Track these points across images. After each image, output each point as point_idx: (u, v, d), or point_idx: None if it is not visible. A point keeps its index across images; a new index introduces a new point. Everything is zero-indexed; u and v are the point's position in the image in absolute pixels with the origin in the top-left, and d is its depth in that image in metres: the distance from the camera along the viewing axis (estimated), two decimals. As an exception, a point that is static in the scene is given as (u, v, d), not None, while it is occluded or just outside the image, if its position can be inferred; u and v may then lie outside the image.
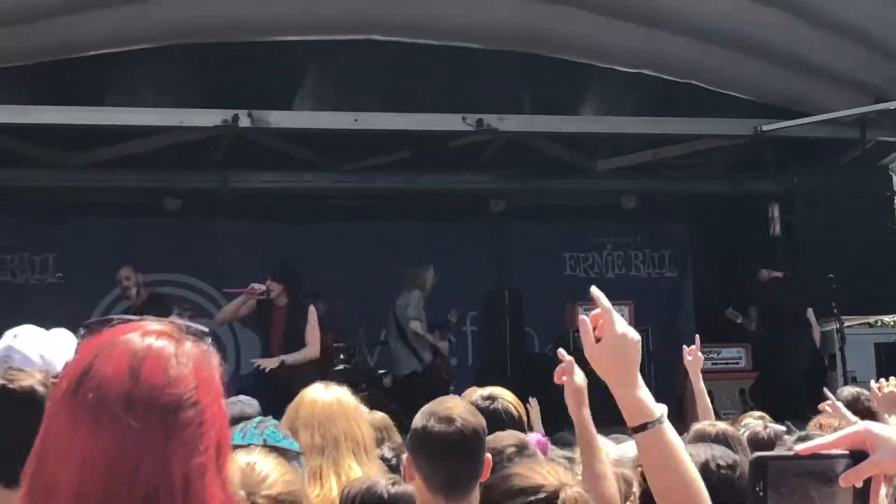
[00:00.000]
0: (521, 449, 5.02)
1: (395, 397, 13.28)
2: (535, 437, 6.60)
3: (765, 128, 15.15)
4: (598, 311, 3.15)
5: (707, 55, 14.55)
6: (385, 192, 15.74)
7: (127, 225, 15.60)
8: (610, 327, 3.08)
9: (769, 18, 14.00)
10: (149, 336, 1.86)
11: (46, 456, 1.80)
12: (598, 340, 3.08)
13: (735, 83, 15.10)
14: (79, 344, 1.90)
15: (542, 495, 2.90)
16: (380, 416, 6.62)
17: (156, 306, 12.50)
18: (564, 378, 4.37)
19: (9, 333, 5.02)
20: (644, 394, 3.07)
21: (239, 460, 2.99)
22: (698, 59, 14.61)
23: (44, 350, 4.96)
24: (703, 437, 5.85)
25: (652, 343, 15.33)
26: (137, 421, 1.76)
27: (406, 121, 14.43)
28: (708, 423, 6.24)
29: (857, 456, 2.32)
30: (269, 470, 3.03)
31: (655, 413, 3.05)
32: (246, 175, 15.09)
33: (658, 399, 5.87)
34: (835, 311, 13.29)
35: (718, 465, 4.29)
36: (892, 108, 15.06)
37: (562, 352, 3.62)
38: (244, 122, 13.80)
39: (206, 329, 1.94)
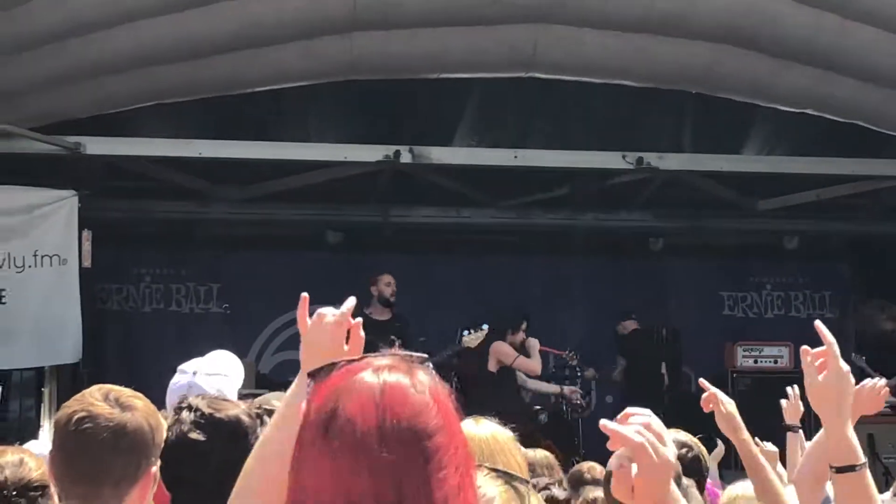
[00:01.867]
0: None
1: (550, 434, 13.35)
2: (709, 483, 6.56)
3: (929, 169, 14.93)
4: (822, 347, 3.14)
5: (873, 95, 14.35)
6: (544, 229, 15.82)
7: (290, 257, 15.93)
8: (834, 362, 3.07)
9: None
10: (381, 371, 1.96)
11: (307, 499, 1.88)
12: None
13: (899, 123, 14.87)
14: (309, 390, 1.99)
15: None
16: (542, 453, 6.50)
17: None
18: (711, 405, 4.34)
19: (188, 368, 5.20)
20: (852, 435, 3.05)
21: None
22: (865, 100, 14.42)
23: (220, 384, 5.14)
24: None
25: (812, 385, 15.14)
26: (392, 453, 1.84)
27: (565, 158, 14.48)
28: None
29: None
30: (492, 496, 2.99)
31: (861, 458, 3.03)
32: (406, 209, 15.31)
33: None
34: None
35: None
36: None
37: (703, 382, 3.59)
38: (405, 157, 14.00)
39: (426, 355, 2.04)
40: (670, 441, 2.28)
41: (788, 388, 6.66)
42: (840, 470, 3.01)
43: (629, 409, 2.31)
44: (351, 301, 3.00)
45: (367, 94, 14.28)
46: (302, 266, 15.61)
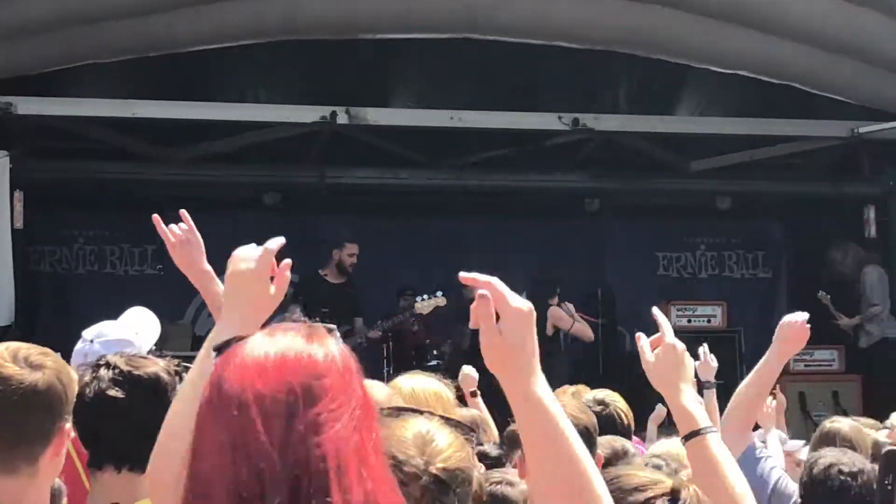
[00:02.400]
0: (621, 455, 5.14)
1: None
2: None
3: (861, 130, 15.09)
4: (657, 335, 3.34)
5: (804, 57, 14.47)
6: (480, 190, 15.81)
7: (226, 219, 15.83)
8: (667, 341, 3.28)
9: (865, 19, 13.90)
10: (276, 334, 1.99)
11: (200, 457, 1.92)
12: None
13: (832, 85, 14.99)
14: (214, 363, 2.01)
15: (659, 491, 2.87)
16: (472, 412, 6.55)
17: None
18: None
19: (88, 334, 5.16)
20: (692, 404, 3.25)
21: (416, 426, 2.98)
22: (795, 61, 14.54)
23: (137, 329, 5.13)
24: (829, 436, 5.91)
25: (744, 344, 15.31)
26: (275, 406, 1.88)
27: (502, 119, 14.55)
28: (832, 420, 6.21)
29: None
30: (446, 444, 2.97)
31: (702, 423, 3.19)
32: (343, 171, 15.26)
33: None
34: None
35: (840, 471, 4.38)
36: None
37: (639, 335, 3.58)
38: (342, 118, 13.97)
39: (333, 325, 2.07)
40: (516, 296, 2.41)
41: (700, 348, 6.71)
42: (686, 438, 3.18)
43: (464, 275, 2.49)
44: (277, 241, 2.95)
45: (304, 55, 14.22)
46: (239, 227, 15.47)
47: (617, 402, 6.05)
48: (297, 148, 14.87)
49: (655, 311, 3.43)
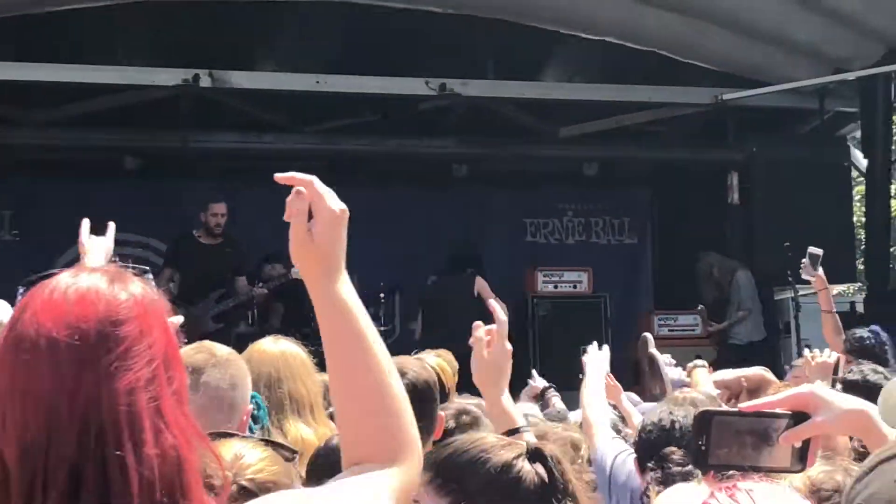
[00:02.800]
0: (460, 414, 5.04)
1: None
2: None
3: (725, 97, 15.25)
4: (493, 326, 3.38)
5: (669, 23, 14.55)
6: (347, 155, 15.67)
7: (85, 183, 15.49)
8: (500, 340, 3.33)
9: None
10: (79, 275, 1.92)
11: None
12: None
13: (697, 52, 15.12)
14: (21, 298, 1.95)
15: (518, 451, 2.82)
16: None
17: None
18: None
19: None
20: (511, 405, 3.42)
21: (232, 448, 3.04)
22: (660, 28, 14.61)
23: None
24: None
25: (610, 310, 15.43)
26: (68, 350, 1.81)
27: (368, 84, 14.42)
28: (683, 392, 6.29)
29: (799, 417, 2.41)
30: (258, 459, 3.04)
31: (519, 422, 3.35)
32: (206, 135, 15.01)
33: (613, 365, 6.01)
34: (790, 279, 13.33)
35: (669, 418, 4.39)
36: (851, 78, 15.16)
37: (477, 324, 3.49)
38: (205, 81, 13.74)
39: (147, 267, 2.01)
40: (333, 196, 2.37)
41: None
42: (508, 434, 3.23)
43: (292, 174, 2.38)
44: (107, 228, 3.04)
45: (166, 16, 13.92)
46: (99, 192, 15.19)
47: (442, 363, 6.06)
48: (160, 111, 14.57)
49: (493, 304, 3.46)
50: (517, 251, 17.10)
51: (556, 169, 17.25)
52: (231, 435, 3.28)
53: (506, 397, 3.41)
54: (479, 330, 3.41)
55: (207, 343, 4.15)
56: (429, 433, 4.18)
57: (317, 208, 2.36)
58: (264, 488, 2.87)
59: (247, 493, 2.83)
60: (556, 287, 15.56)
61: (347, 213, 2.39)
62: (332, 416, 5.29)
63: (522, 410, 5.63)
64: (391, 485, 2.16)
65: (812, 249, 10.77)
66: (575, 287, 15.73)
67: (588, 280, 15.76)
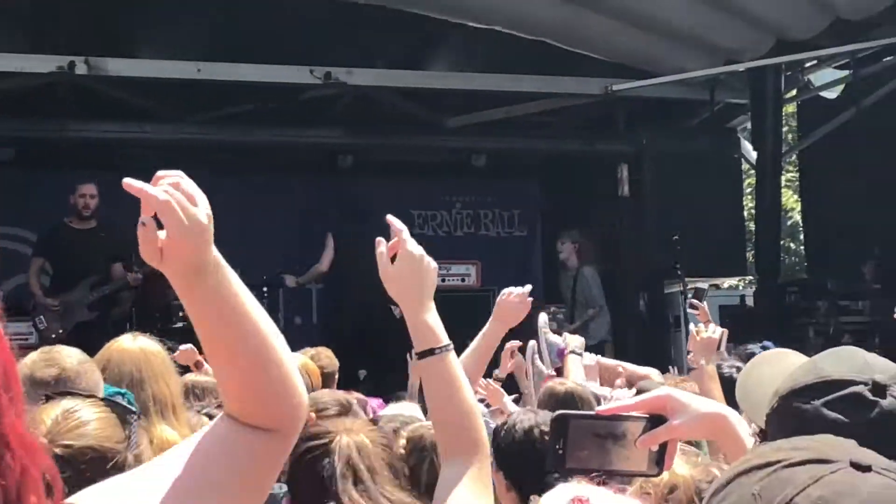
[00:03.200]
0: (343, 406, 5.04)
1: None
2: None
3: (615, 87, 15.15)
4: (395, 239, 3.17)
5: (559, 13, 14.41)
6: (230, 145, 15.34)
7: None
8: (403, 246, 3.10)
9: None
10: None
11: None
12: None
13: (587, 42, 15.01)
14: None
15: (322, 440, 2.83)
16: (206, 378, 6.46)
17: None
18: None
19: None
20: (434, 320, 3.06)
21: (60, 406, 2.89)
22: (550, 17, 14.47)
23: None
24: (553, 395, 5.88)
25: (499, 303, 15.23)
26: None
27: (252, 72, 14.14)
28: (558, 382, 6.26)
29: (657, 420, 2.41)
30: (86, 420, 2.89)
31: (443, 340, 3.04)
32: (85, 125, 14.54)
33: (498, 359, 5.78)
34: (679, 272, 13.28)
35: (542, 432, 4.32)
36: (741, 70, 15.15)
37: (379, 240, 3.21)
38: (81, 69, 13.31)
39: None
40: (204, 202, 2.12)
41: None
42: (421, 355, 3.04)
43: (160, 172, 2.11)
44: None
45: (45, 3, 13.49)
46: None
47: (307, 363, 6.09)
48: (37, 100, 14.10)
49: (390, 217, 3.21)
50: (405, 244, 16.83)
51: (445, 160, 17.05)
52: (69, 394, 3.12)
53: (429, 312, 3.09)
54: (381, 246, 3.17)
55: (56, 352, 3.91)
56: None
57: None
58: (82, 455, 2.75)
59: (60, 461, 2.63)
60: (443, 280, 15.29)
61: (211, 221, 2.16)
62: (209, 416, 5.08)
63: (402, 411, 5.49)
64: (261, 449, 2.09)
65: (699, 284, 10.74)
66: (463, 280, 15.53)
67: (476, 273, 15.58)
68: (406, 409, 5.87)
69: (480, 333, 5.19)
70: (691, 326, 6.75)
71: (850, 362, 2.20)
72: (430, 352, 3.03)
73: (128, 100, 14.23)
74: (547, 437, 4.31)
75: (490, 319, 5.25)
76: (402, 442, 4.85)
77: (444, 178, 17.59)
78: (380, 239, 3.20)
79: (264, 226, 16.18)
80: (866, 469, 1.53)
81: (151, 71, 13.91)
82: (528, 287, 5.39)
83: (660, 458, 2.40)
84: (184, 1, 13.99)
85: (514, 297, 5.29)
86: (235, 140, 15.15)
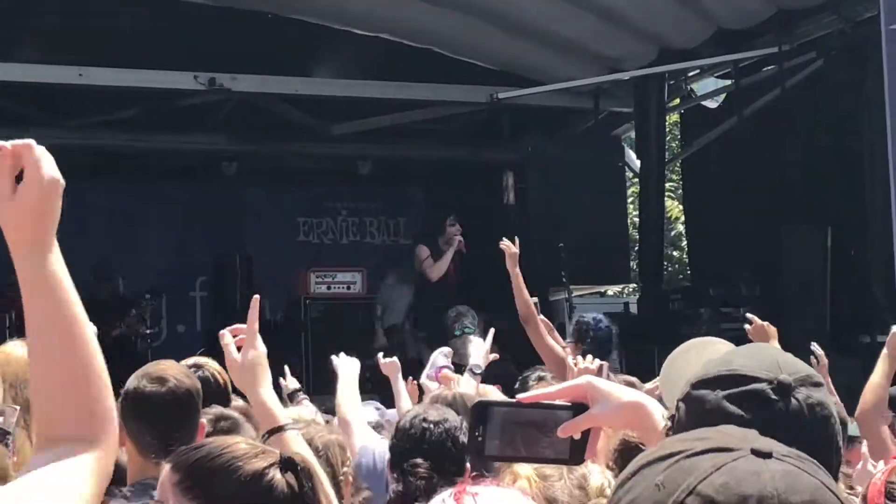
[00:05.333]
0: (219, 420, 4.95)
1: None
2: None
3: (501, 95, 15.16)
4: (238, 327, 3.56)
5: (445, 21, 14.42)
6: (111, 151, 15.11)
7: None
8: (252, 340, 3.49)
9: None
10: None
11: None
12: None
13: (474, 51, 15.04)
14: None
15: (271, 459, 2.77)
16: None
17: None
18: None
19: None
20: (274, 401, 3.49)
21: None
22: (436, 25, 14.47)
23: None
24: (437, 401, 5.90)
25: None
26: None
27: (134, 77, 13.94)
28: (444, 389, 6.29)
29: (578, 408, 2.39)
30: None
31: (282, 420, 3.44)
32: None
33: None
34: (564, 280, 13.32)
35: (425, 419, 4.47)
36: (626, 79, 15.27)
37: (223, 333, 3.59)
38: (-46, 72, 13.02)
39: None
40: (51, 162, 2.19)
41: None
42: (270, 433, 3.38)
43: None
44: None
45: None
46: None
47: (209, 363, 5.94)
48: None
49: (254, 299, 3.60)
50: (290, 251, 16.75)
51: (330, 167, 16.98)
52: None
53: (268, 396, 3.48)
54: (226, 336, 3.50)
55: None
56: (188, 442, 3.92)
57: (30, 171, 2.17)
58: None
59: None
60: (329, 288, 15.20)
61: (62, 184, 2.20)
62: None
63: (291, 413, 5.45)
64: (89, 472, 2.11)
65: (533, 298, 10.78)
66: (349, 288, 15.41)
67: (362, 281, 15.46)
68: (294, 411, 5.82)
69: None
70: (569, 359, 6.83)
71: (761, 360, 2.23)
72: (280, 429, 3.41)
73: (6, 105, 13.96)
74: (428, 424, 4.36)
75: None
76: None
77: (330, 185, 17.52)
78: (223, 332, 3.53)
79: (147, 233, 16.00)
80: (767, 455, 1.56)
81: (32, 75, 13.64)
82: None
83: (581, 447, 2.39)
84: (65, 4, 13.74)
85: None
86: (118, 146, 14.93)
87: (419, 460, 4.34)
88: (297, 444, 3.33)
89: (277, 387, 6.93)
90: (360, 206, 17.91)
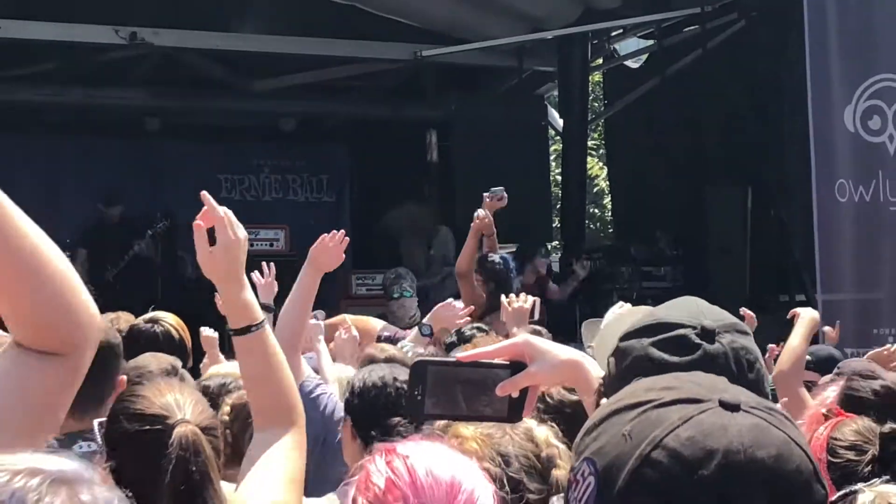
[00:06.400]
0: (169, 373, 4.87)
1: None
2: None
3: (425, 53, 15.12)
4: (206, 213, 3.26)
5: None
6: (29, 106, 14.92)
7: None
8: (224, 231, 3.16)
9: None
10: None
11: None
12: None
13: (397, 8, 14.95)
14: None
15: (157, 426, 2.79)
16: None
17: None
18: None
19: None
20: (250, 297, 3.16)
21: None
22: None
23: None
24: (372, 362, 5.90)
25: (306, 269, 15.14)
26: None
27: (55, 31, 13.71)
28: (378, 349, 6.28)
29: (516, 367, 2.40)
30: None
31: (259, 316, 3.13)
32: None
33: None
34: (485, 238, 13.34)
35: (395, 378, 4.39)
36: (549, 38, 15.28)
37: (198, 223, 3.26)
38: None
39: None
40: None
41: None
42: (238, 332, 3.11)
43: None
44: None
45: None
46: None
47: (166, 318, 6.01)
48: None
49: (204, 194, 3.26)
50: (211, 208, 16.63)
51: (253, 124, 16.88)
52: None
53: (246, 290, 3.18)
54: (198, 231, 3.18)
55: None
56: (102, 399, 4.01)
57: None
58: None
59: None
60: (252, 245, 14.98)
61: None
62: None
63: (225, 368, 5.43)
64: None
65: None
66: (271, 245, 15.35)
67: (285, 238, 15.42)
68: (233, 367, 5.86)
69: (296, 283, 5.41)
70: (502, 297, 6.84)
71: (686, 309, 2.27)
72: (248, 329, 3.09)
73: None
74: (405, 388, 4.41)
75: (304, 266, 5.50)
76: (227, 409, 4.81)
77: (253, 142, 17.42)
78: (199, 222, 3.19)
79: (70, 188, 15.83)
80: (735, 408, 1.56)
81: (-55, 27, 13.42)
82: (342, 231, 5.71)
83: (519, 405, 2.40)
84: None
85: (328, 241, 5.61)
86: (39, 101, 14.76)
87: (398, 419, 4.27)
88: (272, 341, 3.16)
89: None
90: (282, 164, 17.83)
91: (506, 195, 9.54)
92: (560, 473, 3.05)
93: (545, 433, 3.46)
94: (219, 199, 3.18)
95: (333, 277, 16.38)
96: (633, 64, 16.85)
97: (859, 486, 3.24)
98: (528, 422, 3.12)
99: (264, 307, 6.18)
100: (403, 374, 4.47)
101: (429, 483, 2.09)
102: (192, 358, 6.08)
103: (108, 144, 16.36)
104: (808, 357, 5.87)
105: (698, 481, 1.49)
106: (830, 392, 4.40)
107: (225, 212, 3.20)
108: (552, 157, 19.05)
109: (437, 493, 2.08)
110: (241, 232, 3.19)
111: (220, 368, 5.96)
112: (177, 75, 15.14)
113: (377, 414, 4.29)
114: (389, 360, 5.90)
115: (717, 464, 1.50)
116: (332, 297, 12.30)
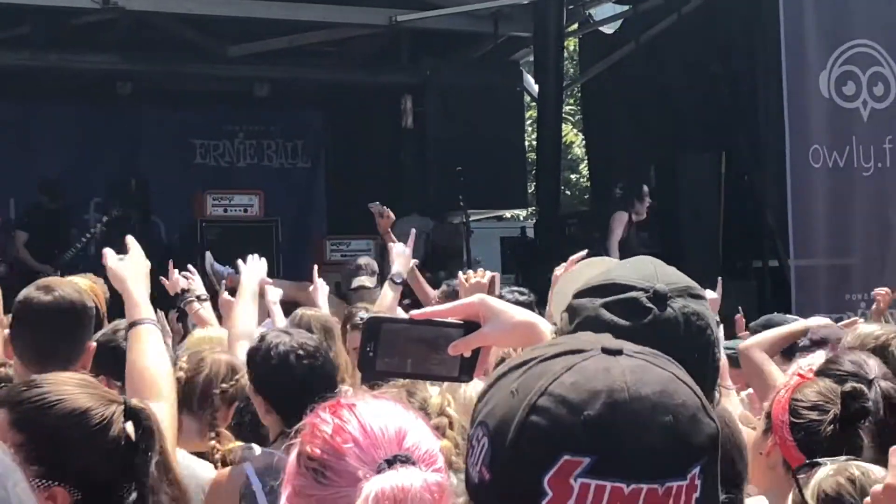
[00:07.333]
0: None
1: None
2: None
3: (400, 18, 15.04)
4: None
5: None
6: (4, 70, 14.78)
7: None
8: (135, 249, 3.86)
9: None
10: None
11: None
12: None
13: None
14: None
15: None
16: None
17: None
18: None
19: None
20: (142, 298, 3.75)
21: None
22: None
23: None
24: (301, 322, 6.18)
25: (281, 235, 15.10)
26: None
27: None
28: (306, 309, 6.34)
29: (470, 326, 2.40)
30: None
31: (145, 316, 3.66)
32: None
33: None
34: (461, 203, 13.35)
35: (298, 356, 4.44)
36: (525, 3, 15.21)
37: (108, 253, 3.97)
38: None
39: None
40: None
41: None
42: (133, 325, 3.64)
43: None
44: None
45: None
46: None
47: (93, 285, 5.85)
48: None
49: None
50: (186, 174, 16.60)
51: (227, 89, 16.78)
52: None
53: (144, 289, 3.77)
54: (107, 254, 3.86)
55: None
56: (72, 360, 4.09)
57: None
58: None
59: None
60: (226, 211, 15.10)
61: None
62: None
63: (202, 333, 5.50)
64: None
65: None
66: (246, 211, 15.33)
67: (259, 204, 15.39)
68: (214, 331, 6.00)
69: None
70: (460, 273, 6.84)
71: (641, 271, 2.25)
72: (140, 322, 3.64)
73: None
74: (303, 362, 4.39)
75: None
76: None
77: (227, 107, 17.35)
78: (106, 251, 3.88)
79: (41, 152, 15.75)
80: (617, 353, 1.59)
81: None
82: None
83: (471, 365, 2.40)
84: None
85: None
86: (10, 65, 14.60)
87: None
88: (150, 339, 3.58)
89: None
90: (257, 129, 17.78)
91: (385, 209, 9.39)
92: (444, 444, 3.05)
93: (439, 401, 3.48)
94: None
95: (306, 243, 16.50)
96: (608, 29, 16.83)
97: (823, 460, 3.26)
98: (432, 389, 3.16)
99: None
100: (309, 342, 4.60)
101: (378, 426, 2.08)
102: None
103: (81, 109, 16.28)
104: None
105: (585, 421, 1.52)
106: (815, 358, 4.43)
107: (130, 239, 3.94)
108: (528, 123, 19.05)
109: (386, 436, 2.07)
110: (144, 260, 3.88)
111: (204, 333, 6.03)
112: (150, 39, 15.04)
113: (288, 389, 4.33)
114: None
115: (602, 403, 1.52)
116: (306, 262, 12.26)
